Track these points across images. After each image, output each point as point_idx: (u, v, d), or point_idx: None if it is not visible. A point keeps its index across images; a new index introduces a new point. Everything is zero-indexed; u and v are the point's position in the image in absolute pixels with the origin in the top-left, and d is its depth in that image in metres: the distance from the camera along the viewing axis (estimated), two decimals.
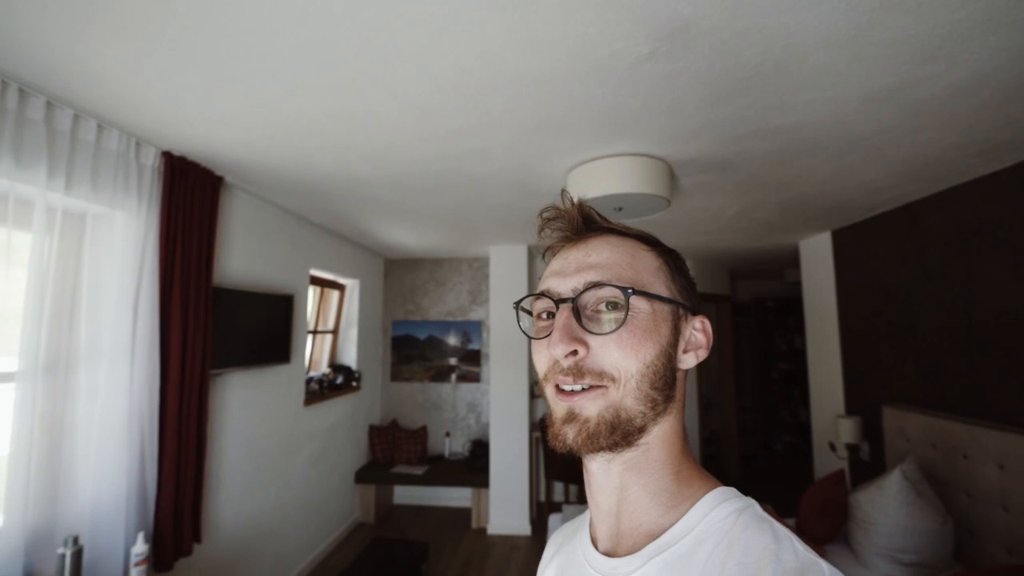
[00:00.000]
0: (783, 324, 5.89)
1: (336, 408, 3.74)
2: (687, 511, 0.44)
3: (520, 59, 1.32)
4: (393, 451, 4.21)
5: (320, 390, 3.61)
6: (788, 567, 0.38)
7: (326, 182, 2.38)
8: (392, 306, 4.74)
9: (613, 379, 0.44)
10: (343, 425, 3.86)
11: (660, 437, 0.47)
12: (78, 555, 1.46)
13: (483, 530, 3.91)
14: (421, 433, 4.24)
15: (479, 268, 4.65)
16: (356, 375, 4.10)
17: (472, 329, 4.61)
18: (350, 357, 4.17)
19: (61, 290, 1.66)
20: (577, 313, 0.46)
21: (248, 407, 2.60)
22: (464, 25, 1.17)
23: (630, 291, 0.45)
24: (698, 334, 0.50)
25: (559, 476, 3.97)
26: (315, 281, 3.64)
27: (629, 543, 0.46)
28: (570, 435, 0.45)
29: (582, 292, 0.46)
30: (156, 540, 1.84)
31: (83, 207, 1.70)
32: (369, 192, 2.53)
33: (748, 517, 0.43)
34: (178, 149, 1.96)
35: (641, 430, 0.45)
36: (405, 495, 4.51)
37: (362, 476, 4.02)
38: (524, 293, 4.04)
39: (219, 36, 1.23)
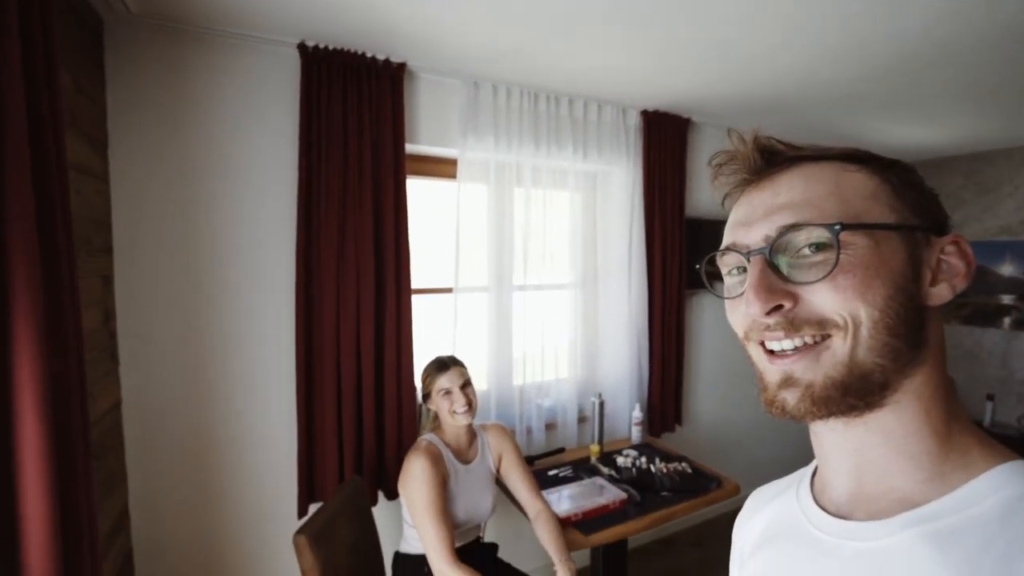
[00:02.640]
0: None
1: None
2: (965, 482, 0.36)
3: None
4: None
5: None
6: None
7: (789, 94, 2.19)
8: None
9: (838, 326, 0.37)
10: None
11: (915, 393, 0.38)
12: (602, 406, 2.20)
13: None
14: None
15: None
16: None
17: None
18: None
19: (584, 228, 2.41)
20: (774, 264, 0.39)
21: (718, 325, 2.89)
22: None
23: (838, 227, 0.36)
24: (951, 258, 0.39)
25: None
26: None
27: (874, 507, 0.39)
28: (791, 401, 0.38)
29: (776, 239, 0.39)
30: (648, 412, 2.47)
31: (593, 169, 2.38)
32: (842, 91, 2.13)
33: None
34: (651, 106, 2.35)
35: (884, 387, 0.37)
36: None
37: None
38: None
39: (680, 28, 1.43)
